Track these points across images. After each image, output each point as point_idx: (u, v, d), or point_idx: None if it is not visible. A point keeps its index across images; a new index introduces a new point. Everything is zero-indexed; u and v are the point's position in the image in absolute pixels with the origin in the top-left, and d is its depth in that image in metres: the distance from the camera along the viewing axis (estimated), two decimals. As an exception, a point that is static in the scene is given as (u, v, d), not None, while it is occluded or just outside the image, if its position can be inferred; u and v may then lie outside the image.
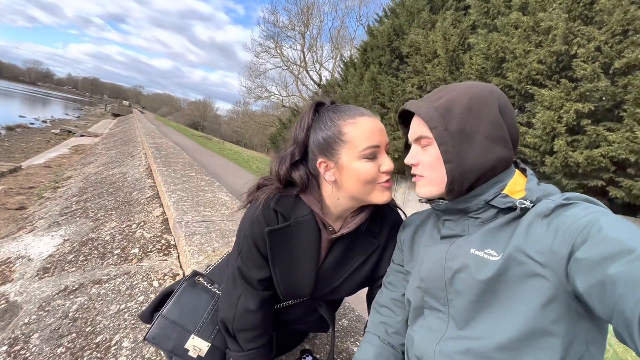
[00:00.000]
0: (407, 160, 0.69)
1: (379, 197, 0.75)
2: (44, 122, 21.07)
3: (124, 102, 44.56)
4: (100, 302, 1.81)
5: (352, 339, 1.19)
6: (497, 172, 0.62)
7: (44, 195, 5.00)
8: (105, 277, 2.11)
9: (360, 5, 20.38)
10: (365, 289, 0.96)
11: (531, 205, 0.55)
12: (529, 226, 0.54)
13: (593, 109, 4.36)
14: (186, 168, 4.09)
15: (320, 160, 0.76)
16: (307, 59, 20.61)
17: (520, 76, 5.12)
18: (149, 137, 8.18)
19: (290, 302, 0.93)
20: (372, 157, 0.73)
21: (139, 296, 1.86)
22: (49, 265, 2.46)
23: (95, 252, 2.63)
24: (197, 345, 0.86)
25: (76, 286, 2.04)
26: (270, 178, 0.83)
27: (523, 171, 0.66)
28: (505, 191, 0.60)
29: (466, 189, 0.62)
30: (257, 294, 0.83)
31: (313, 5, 20.20)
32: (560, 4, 4.56)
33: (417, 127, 0.66)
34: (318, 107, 0.79)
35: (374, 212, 0.84)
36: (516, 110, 5.63)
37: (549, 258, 0.50)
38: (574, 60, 4.43)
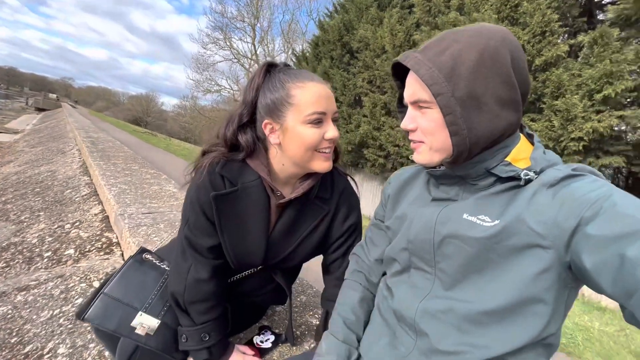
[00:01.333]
0: (404, 124, 0.61)
1: (319, 165, 0.75)
2: (-54, 117, 17.88)
3: (51, 95, 39.58)
4: (29, 310, 1.61)
5: (311, 312, 1.21)
6: (504, 138, 0.56)
7: (-52, 199, 4.26)
8: (33, 283, 1.88)
9: (310, 0, 20.34)
10: (320, 261, 0.97)
11: (535, 176, 0.52)
12: (532, 195, 0.51)
13: (519, 101, 4.87)
14: (128, 162, 3.77)
15: (266, 121, 0.75)
16: (258, 52, 20.13)
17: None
18: (82, 131, 7.37)
19: (244, 273, 0.91)
20: (317, 123, 0.72)
21: (76, 299, 1.68)
22: (-41, 275, 2.12)
23: (20, 257, 2.32)
24: (145, 322, 0.81)
25: (-4, 294, 1.78)
26: (216, 144, 0.80)
27: (529, 137, 0.61)
28: (508, 158, 0.56)
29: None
30: (208, 263, 0.81)
31: (263, -3, 19.73)
32: (491, 5, 5.01)
33: (416, 90, 0.57)
34: (270, 68, 0.78)
35: (323, 179, 0.85)
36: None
37: (551, 229, 0.47)
38: (503, 57, 4.90)
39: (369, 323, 0.76)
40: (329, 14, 10.59)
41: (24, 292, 1.78)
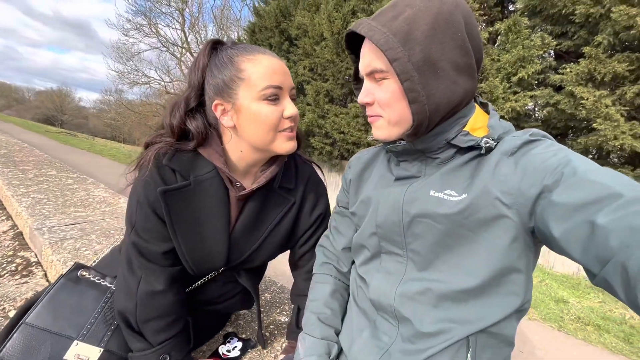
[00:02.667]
0: (361, 98, 0.59)
1: (283, 146, 0.69)
2: None
3: None
4: None
5: (278, 310, 1.15)
6: (460, 108, 0.56)
7: None
8: None
9: (243, -15, 19.30)
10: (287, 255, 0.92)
11: (495, 144, 0.52)
12: (495, 165, 0.51)
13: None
14: (42, 167, 3.22)
15: (216, 102, 0.67)
16: (189, 39, 18.66)
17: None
18: (-25, 135, 6.14)
19: (205, 278, 0.82)
20: (274, 99, 0.66)
21: (-12, 334, 1.39)
22: None
23: None
24: (82, 353, 0.68)
25: None
26: (161, 134, 0.70)
27: (482, 106, 0.62)
28: (466, 128, 0.56)
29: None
30: (164, 271, 0.71)
31: (190, -21, 18.19)
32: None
33: (372, 59, 0.54)
34: (216, 45, 0.70)
35: (286, 168, 0.79)
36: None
37: (515, 198, 0.48)
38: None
39: (346, 315, 0.73)
40: (264, -1, 10.20)
41: None
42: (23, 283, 1.78)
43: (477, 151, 0.54)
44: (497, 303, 0.53)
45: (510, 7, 5.95)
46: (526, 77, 4.40)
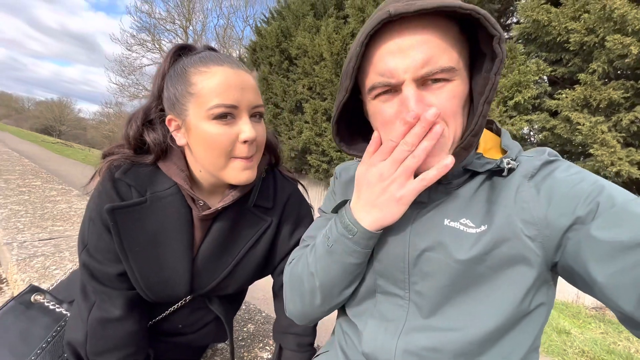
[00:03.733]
0: (420, 110, 0.42)
1: (234, 175, 0.60)
2: None
3: None
4: None
5: (261, 345, 1.03)
6: None
7: None
8: None
9: (246, 6, 19.87)
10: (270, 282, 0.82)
11: (516, 164, 0.46)
12: (516, 191, 0.45)
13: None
14: (27, 177, 3.11)
15: (169, 116, 0.61)
16: (192, 56, 18.99)
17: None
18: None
19: (173, 307, 0.72)
20: (225, 119, 0.57)
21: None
22: None
23: None
24: None
25: None
26: (120, 144, 0.64)
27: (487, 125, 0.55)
28: (479, 150, 0.50)
29: None
30: (120, 295, 0.63)
31: (195, -1, 18.73)
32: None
33: (432, 53, 0.41)
34: (181, 52, 0.63)
35: (264, 184, 0.71)
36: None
37: (540, 230, 0.42)
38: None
39: None
40: (265, 19, 10.44)
41: None
42: (-11, 302, 1.65)
43: (486, 174, 0.48)
44: (512, 348, 0.46)
45: (506, 35, 6.12)
46: (522, 102, 4.43)
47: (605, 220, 0.37)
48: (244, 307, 1.24)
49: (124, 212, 0.60)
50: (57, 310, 0.71)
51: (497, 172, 0.47)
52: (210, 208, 0.65)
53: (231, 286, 0.73)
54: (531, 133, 5.39)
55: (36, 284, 1.30)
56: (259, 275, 0.77)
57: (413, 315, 0.51)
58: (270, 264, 0.76)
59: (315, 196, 8.44)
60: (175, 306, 0.73)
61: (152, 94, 0.65)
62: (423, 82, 0.43)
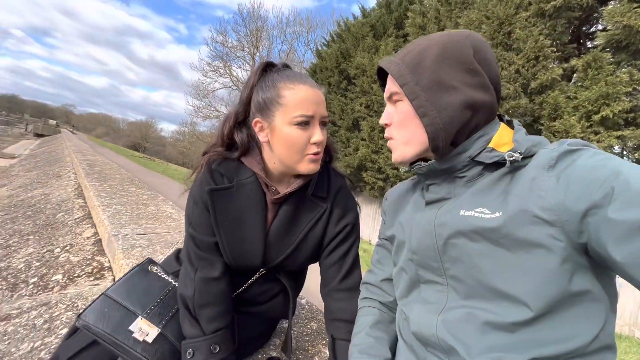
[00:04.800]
0: (381, 120, 0.65)
1: (305, 167, 0.76)
2: (-57, 143, 17.89)
3: (51, 121, 40.08)
4: (7, 342, 1.46)
5: (324, 341, 1.09)
6: (481, 125, 0.57)
7: None
8: (15, 312, 1.73)
9: (308, 31, 21.14)
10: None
11: (520, 157, 0.50)
12: (532, 181, 0.48)
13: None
14: (125, 183, 3.68)
15: (256, 119, 0.76)
16: (257, 79, 20.63)
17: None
18: (79, 154, 7.32)
19: (249, 282, 0.88)
20: (304, 125, 0.73)
21: (60, 329, 1.54)
22: None
23: (4, 283, 2.18)
24: (144, 328, 0.77)
25: (-28, 324, 1.64)
26: (215, 144, 0.81)
27: (509, 124, 0.60)
28: (491, 145, 0.55)
29: (451, 145, 0.58)
30: (219, 260, 0.80)
31: (262, 28, 20.54)
32: (484, 32, 5.19)
33: (390, 85, 0.61)
34: (267, 67, 0.79)
35: (320, 177, 0.84)
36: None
37: (558, 215, 0.44)
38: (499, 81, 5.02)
39: (396, 354, 0.68)
40: (326, 43, 10.98)
41: (4, 322, 1.63)
42: (95, 284, 1.97)
43: (508, 168, 0.52)
44: (570, 332, 0.45)
45: (589, 44, 5.55)
46: (611, 116, 3.94)
47: (621, 202, 0.39)
48: (307, 306, 1.31)
49: (218, 194, 0.77)
50: (166, 278, 0.90)
51: (514, 167, 0.52)
52: (280, 193, 0.79)
53: (295, 262, 0.85)
54: (623, 152, 4.70)
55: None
56: (316, 255, 0.88)
57: (452, 298, 0.56)
58: (321, 246, 0.87)
59: (370, 213, 8.35)
60: (252, 279, 0.88)
61: (240, 100, 0.80)
62: (392, 101, 0.63)
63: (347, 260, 0.84)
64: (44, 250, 2.57)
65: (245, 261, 0.82)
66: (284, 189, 0.81)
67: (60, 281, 2.08)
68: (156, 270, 0.90)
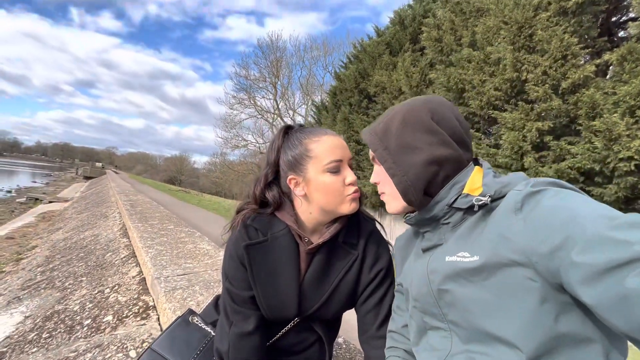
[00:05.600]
0: (371, 179, 0.74)
1: (347, 207, 0.79)
2: (9, 192, 20.03)
3: (97, 164, 43.76)
4: (66, 385, 1.55)
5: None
6: (451, 175, 0.62)
7: (4, 269, 4.54)
8: (72, 355, 1.85)
9: (325, 55, 21.79)
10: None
11: (489, 200, 0.54)
12: (502, 224, 0.51)
13: (552, 125, 4.67)
14: (164, 221, 3.89)
15: (290, 177, 0.81)
16: (280, 106, 21.42)
17: (481, 103, 5.49)
18: (123, 195, 7.87)
19: (283, 330, 0.89)
20: (336, 170, 0.78)
21: (112, 371, 1.62)
22: (5, 350, 2.15)
23: (62, 325, 2.34)
24: None
25: (37, 370, 1.76)
26: (248, 202, 0.87)
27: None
28: (465, 190, 0.60)
29: (428, 197, 0.63)
30: (253, 314, 0.83)
31: (282, 58, 21.49)
32: (504, 38, 5.08)
33: (370, 150, 0.71)
34: (287, 130, 0.86)
35: (349, 224, 0.86)
36: (481, 135, 5.95)
37: (528, 257, 0.46)
38: (526, 84, 4.83)
39: None
40: (343, 65, 11.24)
41: (63, 366, 1.74)
42: (142, 325, 2.06)
43: (483, 210, 0.56)
44: None
45: (621, 34, 5.23)
46: (659, 109, 3.62)
47: (582, 246, 0.40)
48: (344, 346, 1.29)
49: (254, 248, 0.81)
50: (205, 328, 0.94)
51: (490, 209, 0.55)
52: (313, 243, 0.82)
53: (329, 310, 0.86)
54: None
55: (178, 312, 1.61)
56: (350, 303, 0.88)
57: (456, 343, 0.57)
58: (356, 293, 0.87)
59: (400, 231, 8.13)
60: (287, 327, 0.88)
61: (267, 163, 0.85)
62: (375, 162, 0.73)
63: (383, 306, 0.84)
64: (96, 292, 2.74)
65: (281, 312, 0.83)
66: (316, 239, 0.83)
67: (111, 322, 2.20)
68: (196, 321, 0.95)
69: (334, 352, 1.24)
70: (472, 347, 0.54)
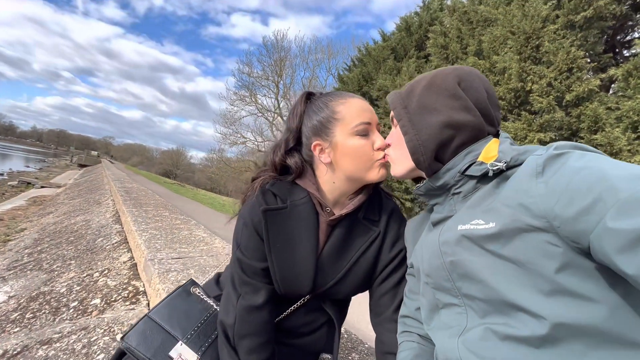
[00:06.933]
0: (386, 140, 0.74)
1: (376, 174, 0.75)
2: (1, 174, 19.73)
3: (92, 152, 43.38)
4: (48, 366, 1.49)
5: (366, 375, 0.99)
6: (467, 143, 0.60)
7: (-10, 249, 4.42)
8: (56, 336, 1.77)
9: (329, 58, 21.84)
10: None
11: (504, 165, 0.52)
12: (520, 189, 0.48)
13: (554, 137, 4.69)
14: (159, 208, 3.81)
15: (315, 142, 0.76)
16: (281, 106, 21.39)
17: (484, 111, 5.50)
18: (117, 182, 7.76)
19: (292, 307, 0.84)
20: (365, 133, 0.74)
21: (98, 354, 1.56)
22: (-15, 327, 2.06)
23: (47, 307, 2.27)
24: (184, 354, 0.77)
25: (18, 349, 1.69)
26: (264, 170, 0.82)
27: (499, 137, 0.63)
28: (480, 159, 0.57)
29: (440, 163, 0.62)
30: (264, 287, 0.77)
31: (285, 58, 21.49)
32: (510, 48, 5.10)
33: (391, 110, 0.70)
34: (310, 96, 0.82)
35: (371, 200, 0.82)
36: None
37: (550, 221, 0.43)
38: (530, 95, 4.85)
39: None
40: (347, 68, 11.26)
41: (46, 347, 1.67)
42: (131, 309, 2.00)
43: (498, 179, 0.54)
44: (590, 343, 0.41)
45: (626, 53, 5.28)
46: (661, 126, 3.65)
47: (617, 210, 0.37)
48: (345, 336, 1.24)
49: (272, 214, 0.75)
50: (207, 301, 0.88)
51: (505, 177, 0.53)
52: (335, 215, 0.78)
53: (343, 288, 0.81)
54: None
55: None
56: (366, 283, 0.83)
57: (472, 318, 0.54)
58: (374, 272, 0.83)
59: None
60: (296, 305, 0.83)
61: (288, 129, 0.81)
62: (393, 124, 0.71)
63: (401, 288, 0.79)
64: (84, 275, 2.66)
65: (295, 286, 0.78)
66: (338, 211, 0.79)
67: (99, 305, 2.13)
68: (198, 292, 0.89)
69: (335, 342, 1.19)
70: (490, 319, 0.51)
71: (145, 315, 0.82)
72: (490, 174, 0.53)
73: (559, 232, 0.43)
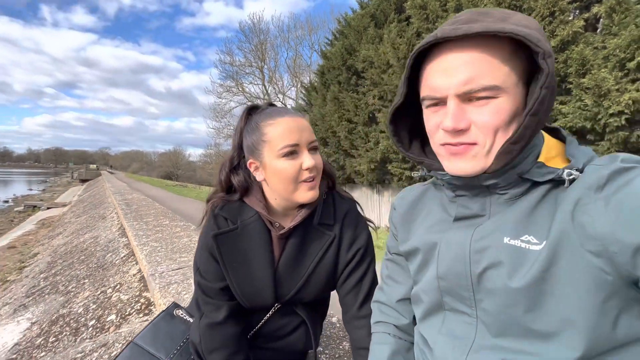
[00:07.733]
0: (455, 124, 0.46)
1: (303, 195, 0.76)
2: (6, 202, 19.97)
3: (91, 165, 43.40)
4: (75, 385, 1.59)
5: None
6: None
7: (8, 279, 4.59)
8: (79, 356, 1.88)
9: (310, 34, 21.17)
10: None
11: (579, 175, 0.43)
12: (577, 204, 0.41)
13: (542, 87, 4.60)
14: (159, 218, 3.88)
15: (249, 160, 0.79)
16: (269, 91, 21.00)
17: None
18: (118, 195, 7.84)
19: (265, 317, 0.88)
20: (291, 155, 0.74)
21: (119, 368, 1.65)
22: (14, 356, 2.19)
23: (68, 328, 2.37)
24: None
25: (46, 373, 1.80)
26: (216, 190, 0.85)
27: (550, 132, 0.53)
28: (540, 159, 0.47)
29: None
30: (225, 304, 0.81)
31: (266, 41, 20.87)
32: (490, 0, 4.91)
33: (475, 74, 0.44)
34: (251, 111, 0.82)
35: (325, 205, 0.84)
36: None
37: (605, 246, 0.38)
38: (514, 46, 4.71)
39: None
40: (329, 42, 10.92)
41: (71, 367, 1.77)
42: (145, 321, 2.09)
43: (550, 185, 0.46)
44: None
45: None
46: (649, 60, 3.55)
47: None
48: (338, 325, 1.30)
49: (223, 237, 0.79)
50: (190, 320, 0.95)
51: (559, 182, 0.45)
52: (285, 228, 0.80)
53: (309, 294, 0.85)
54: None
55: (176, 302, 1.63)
56: (331, 284, 0.87)
57: (482, 333, 0.49)
58: (335, 275, 0.85)
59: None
60: (269, 313, 0.88)
61: (233, 146, 0.83)
62: (468, 97, 0.46)
63: (363, 285, 0.83)
64: (98, 292, 2.77)
65: (258, 299, 0.82)
66: (288, 223, 0.81)
67: (115, 321, 2.23)
68: (181, 314, 0.95)
69: (328, 332, 1.25)
70: (504, 342, 0.46)
71: (131, 341, 0.89)
72: (566, 185, 0.43)
73: (614, 259, 0.38)
